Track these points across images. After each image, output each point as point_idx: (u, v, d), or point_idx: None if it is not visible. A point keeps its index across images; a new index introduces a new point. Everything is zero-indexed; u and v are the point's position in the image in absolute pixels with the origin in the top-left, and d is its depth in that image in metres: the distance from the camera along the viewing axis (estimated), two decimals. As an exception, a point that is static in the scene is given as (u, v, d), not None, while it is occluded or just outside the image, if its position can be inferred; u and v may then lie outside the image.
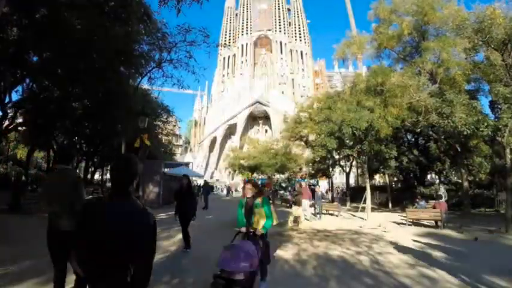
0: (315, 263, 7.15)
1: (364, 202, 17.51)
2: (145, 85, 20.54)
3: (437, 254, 8.20)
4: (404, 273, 6.38)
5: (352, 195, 27.69)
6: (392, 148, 18.74)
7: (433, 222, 13.79)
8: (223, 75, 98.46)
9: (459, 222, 14.42)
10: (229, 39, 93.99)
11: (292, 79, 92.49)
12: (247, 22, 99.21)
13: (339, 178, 50.01)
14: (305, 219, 14.66)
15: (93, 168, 34.56)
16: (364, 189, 18.68)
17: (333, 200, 27.17)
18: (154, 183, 20.83)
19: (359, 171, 32.19)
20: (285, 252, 8.12)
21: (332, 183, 33.90)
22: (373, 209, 19.33)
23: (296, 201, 14.15)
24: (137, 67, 15.96)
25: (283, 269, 6.65)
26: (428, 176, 31.63)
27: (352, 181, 39.87)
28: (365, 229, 12.71)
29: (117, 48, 12.94)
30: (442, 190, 19.90)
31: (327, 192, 35.58)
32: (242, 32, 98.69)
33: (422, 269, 6.68)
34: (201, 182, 55.86)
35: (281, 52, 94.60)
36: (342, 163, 29.20)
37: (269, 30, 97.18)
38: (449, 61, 15.14)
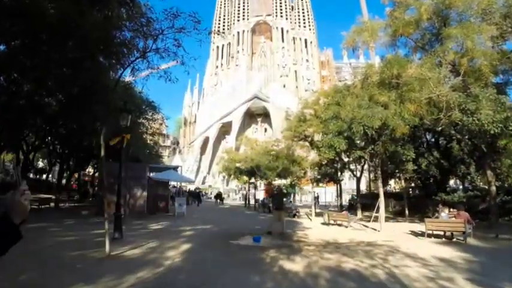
0: (328, 276, 7.36)
1: (377, 211, 17.53)
2: (127, 78, 20.49)
3: (460, 266, 8.30)
4: (424, 287, 6.53)
5: (364, 203, 27.68)
6: (409, 149, 18.78)
7: (456, 233, 13.76)
8: (217, 67, 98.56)
9: (486, 232, 14.45)
10: (224, 26, 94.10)
11: (295, 71, 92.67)
12: (243, 6, 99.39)
13: (348, 184, 50.02)
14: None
15: (68, 173, 34.43)
16: (377, 196, 18.69)
17: (341, 209, 27.17)
18: (138, 190, 20.82)
19: (371, 175, 32.21)
20: (294, 265, 8.36)
21: (341, 189, 33.92)
22: (387, 219, 19.35)
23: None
24: (118, 57, 15.86)
25: (293, 282, 6.86)
26: (451, 182, 31.67)
27: (363, 187, 39.93)
28: (379, 241, 12.78)
29: (96, 36, 12.89)
30: None
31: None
32: (238, 17, 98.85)
33: (444, 282, 6.80)
34: (191, 187, 55.94)
35: (282, 40, 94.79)
36: (352, 167, 29.20)
37: (269, 15, 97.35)
38: (474, 50, 15.16)
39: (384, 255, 9.75)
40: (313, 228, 17.26)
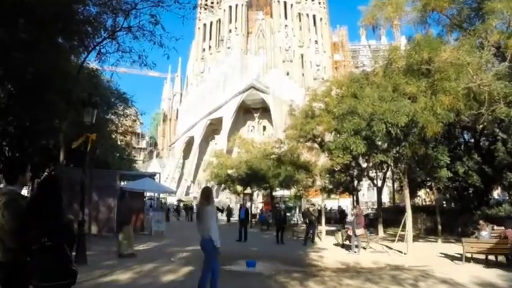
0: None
1: (403, 228, 17.53)
2: (93, 63, 20.42)
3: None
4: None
5: (387, 218, 27.67)
6: (443, 152, 18.79)
7: (503, 256, 13.75)
8: (204, 50, 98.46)
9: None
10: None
11: (301, 55, 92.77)
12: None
13: (367, 195, 50.16)
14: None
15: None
16: (403, 210, 18.70)
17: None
18: (106, 203, 20.73)
19: (396, 185, 32.29)
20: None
21: (358, 201, 33.94)
22: (416, 238, 19.36)
23: None
24: (82, 38, 15.82)
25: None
26: (495, 192, 31.65)
27: (385, 199, 40.01)
28: (407, 264, 12.87)
29: (53, 11, 12.84)
30: None
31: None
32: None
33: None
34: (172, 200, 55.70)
35: (285, 17, 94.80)
36: (372, 174, 29.24)
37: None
38: (523, 29, 15.22)
39: (414, 281, 9.91)
40: (326, 250, 17.39)
